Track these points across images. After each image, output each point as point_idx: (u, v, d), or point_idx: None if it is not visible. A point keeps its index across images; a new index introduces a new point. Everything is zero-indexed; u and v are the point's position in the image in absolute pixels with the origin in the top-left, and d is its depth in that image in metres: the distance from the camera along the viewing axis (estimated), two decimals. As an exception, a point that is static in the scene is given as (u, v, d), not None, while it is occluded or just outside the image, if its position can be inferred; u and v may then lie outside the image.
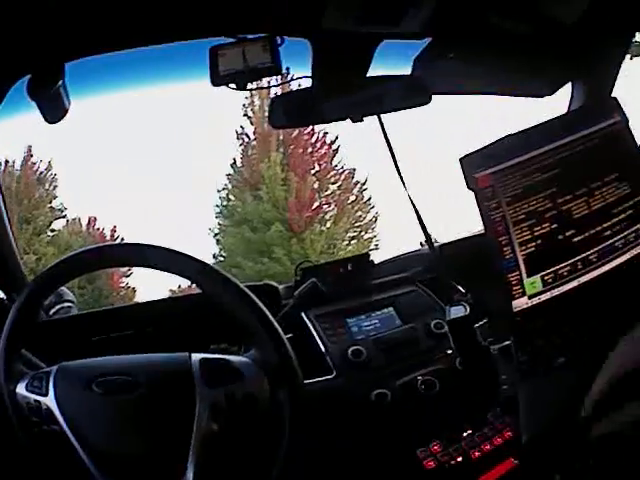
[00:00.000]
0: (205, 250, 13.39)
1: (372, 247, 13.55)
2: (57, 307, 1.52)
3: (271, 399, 1.05)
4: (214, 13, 1.21)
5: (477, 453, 1.25)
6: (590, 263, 1.09)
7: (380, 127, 1.32)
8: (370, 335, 1.42)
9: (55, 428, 0.96)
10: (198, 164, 20.06)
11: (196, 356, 1.06)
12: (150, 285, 12.44)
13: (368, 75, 1.39)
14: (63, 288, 1.53)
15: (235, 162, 13.99)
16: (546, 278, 1.10)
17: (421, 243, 1.67)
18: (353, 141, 13.54)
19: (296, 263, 1.66)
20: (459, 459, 1.25)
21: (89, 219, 14.58)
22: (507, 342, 1.11)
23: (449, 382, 1.33)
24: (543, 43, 1.36)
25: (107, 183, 17.78)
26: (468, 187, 1.13)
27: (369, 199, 13.91)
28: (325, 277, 1.53)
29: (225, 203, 14.15)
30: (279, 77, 1.35)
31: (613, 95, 1.46)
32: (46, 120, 1.31)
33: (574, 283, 1.10)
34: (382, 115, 1.33)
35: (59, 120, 1.32)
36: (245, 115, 13.70)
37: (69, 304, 1.55)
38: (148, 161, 21.11)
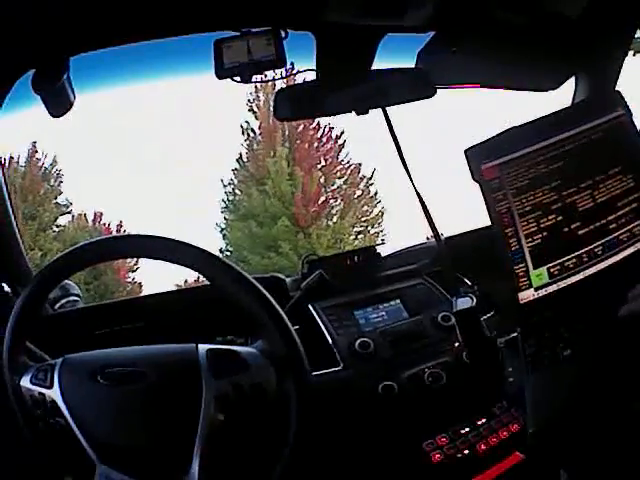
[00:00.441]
0: (212, 244, 13.39)
1: (379, 242, 13.55)
2: (63, 301, 1.52)
3: (278, 390, 1.05)
4: (219, 7, 1.21)
5: (483, 446, 1.25)
6: (596, 256, 1.09)
7: (385, 120, 1.32)
8: (377, 327, 1.42)
9: (59, 421, 0.96)
10: (203, 159, 20.06)
11: (203, 347, 1.06)
12: (156, 280, 12.47)
13: (372, 68, 1.39)
14: (69, 282, 1.53)
15: (241, 157, 14.02)
16: (552, 270, 1.10)
17: (427, 237, 1.67)
18: (359, 136, 13.50)
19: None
20: (465, 452, 1.24)
21: (95, 214, 14.64)
22: (513, 334, 1.11)
23: (456, 374, 1.32)
24: (547, 37, 1.35)
25: (113, 179, 17.80)
26: (473, 179, 1.12)
27: (375, 194, 13.92)
28: (332, 269, 1.53)
29: (231, 198, 14.18)
30: (283, 70, 1.35)
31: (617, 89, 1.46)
32: (51, 114, 1.31)
33: (580, 275, 1.09)
34: (387, 108, 1.33)
35: (64, 114, 1.32)
36: (250, 110, 13.72)
37: (75, 298, 1.55)
38: (152, 157, 21.12)
